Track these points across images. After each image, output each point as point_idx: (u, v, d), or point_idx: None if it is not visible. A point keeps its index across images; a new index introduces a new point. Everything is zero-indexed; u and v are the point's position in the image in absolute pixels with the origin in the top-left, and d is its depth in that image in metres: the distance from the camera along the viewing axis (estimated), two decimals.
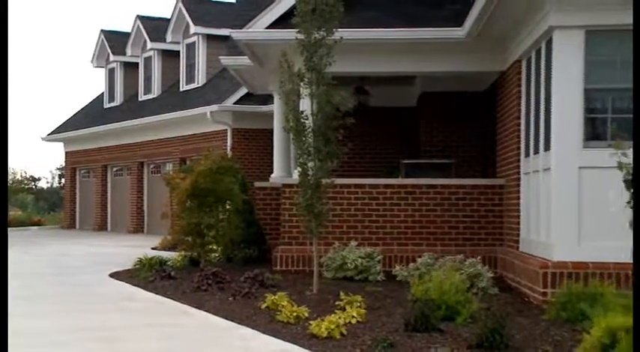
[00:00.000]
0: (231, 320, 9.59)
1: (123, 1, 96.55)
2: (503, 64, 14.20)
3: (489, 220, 14.49)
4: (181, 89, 31.23)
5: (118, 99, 36.04)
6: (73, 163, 38.27)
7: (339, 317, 8.83)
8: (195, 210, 15.49)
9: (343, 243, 14.11)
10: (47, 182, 55.74)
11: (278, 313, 9.51)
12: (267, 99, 23.67)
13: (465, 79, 16.47)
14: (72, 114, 39.53)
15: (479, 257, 12.88)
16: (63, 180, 44.75)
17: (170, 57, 32.58)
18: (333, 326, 8.38)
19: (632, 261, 6.17)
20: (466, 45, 14.17)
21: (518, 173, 13.14)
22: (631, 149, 6.25)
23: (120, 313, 10.55)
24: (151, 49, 33.14)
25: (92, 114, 37.24)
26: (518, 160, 13.13)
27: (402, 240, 14.52)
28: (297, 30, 11.64)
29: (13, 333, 7.22)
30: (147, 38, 33.02)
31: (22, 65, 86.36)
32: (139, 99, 34.02)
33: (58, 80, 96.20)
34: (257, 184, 17.90)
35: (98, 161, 35.81)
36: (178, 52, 31.55)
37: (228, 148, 26.13)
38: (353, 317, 9.14)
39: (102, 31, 36.63)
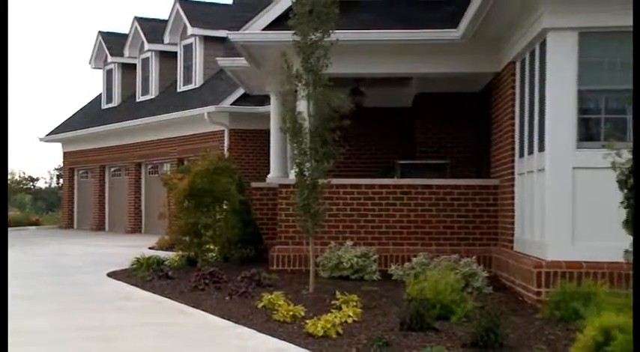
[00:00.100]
0: (228, 320, 9.63)
1: (121, 3, 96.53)
2: (497, 65, 14.26)
3: (484, 220, 14.55)
4: (179, 90, 31.28)
5: (116, 100, 36.09)
6: (71, 163, 38.31)
7: (335, 317, 8.88)
8: (193, 210, 15.54)
9: (339, 243, 14.18)
10: (45, 182, 55.80)
11: (275, 312, 9.56)
12: (264, 100, 23.71)
13: (460, 80, 16.52)
14: (70, 115, 39.56)
15: (474, 256, 12.96)
16: (61, 181, 44.78)
17: (167, 58, 32.63)
18: (329, 326, 8.43)
19: (624, 261, 6.24)
20: (461, 46, 14.23)
21: (513, 173, 13.21)
22: (624, 150, 6.30)
23: (117, 312, 10.59)
24: (148, 51, 33.19)
25: (90, 114, 37.28)
26: (513, 161, 13.20)
27: (398, 239, 14.59)
28: (293, 32, 11.71)
29: (12, 332, 7.25)
30: (144, 39, 33.06)
31: (20, 66, 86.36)
32: (137, 100, 34.07)
33: (56, 81, 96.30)
34: (254, 184, 17.90)
35: (96, 161, 35.86)
36: (176, 53, 31.61)
37: (225, 149, 26.17)
38: (349, 316, 9.19)
39: (100, 32, 36.67)
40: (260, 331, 8.83)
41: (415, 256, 13.42)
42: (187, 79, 30.97)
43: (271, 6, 14.87)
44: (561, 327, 8.80)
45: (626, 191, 6.20)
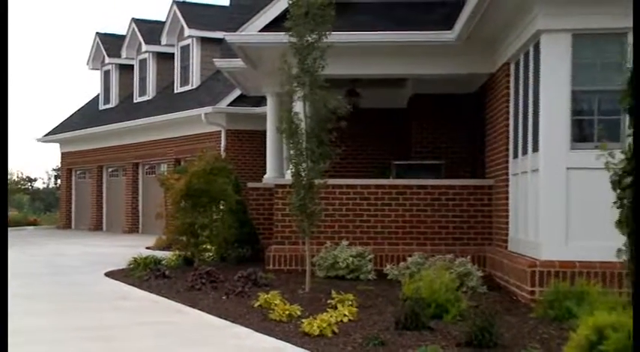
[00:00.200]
0: (225, 319, 9.67)
1: (118, 5, 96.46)
2: (492, 66, 14.34)
3: (478, 220, 14.63)
4: (176, 91, 31.32)
5: (114, 101, 36.11)
6: (69, 164, 38.33)
7: (331, 316, 8.93)
8: (190, 210, 15.60)
9: (335, 243, 14.25)
10: (43, 182, 55.71)
11: (271, 311, 9.60)
12: (260, 101, 23.76)
13: (455, 81, 16.56)
14: (68, 116, 39.54)
15: (468, 256, 13.04)
16: (59, 181, 44.74)
17: (165, 59, 32.67)
18: (325, 325, 8.47)
19: (617, 260, 6.30)
20: (456, 48, 14.30)
21: (507, 174, 13.28)
22: (617, 150, 6.35)
23: (115, 312, 10.62)
24: (145, 52, 33.23)
25: (88, 115, 37.29)
26: (507, 161, 13.27)
27: (393, 239, 14.66)
28: (290, 33, 11.77)
29: (11, 332, 7.24)
30: (142, 41, 33.12)
31: (18, 67, 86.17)
32: (134, 100, 34.11)
33: (54, 82, 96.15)
34: (250, 185, 17.96)
35: (94, 162, 35.88)
36: (173, 54, 31.65)
37: (222, 149, 26.22)
38: (345, 315, 9.24)
39: (97, 33, 36.67)
40: (256, 330, 8.86)
41: (410, 256, 13.49)
42: (184, 80, 31.01)
43: (268, 8, 14.91)
44: (555, 326, 8.85)
45: (619, 191, 6.22)
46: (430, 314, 9.05)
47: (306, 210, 11.81)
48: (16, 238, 27.62)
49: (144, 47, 33.09)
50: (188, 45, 30.59)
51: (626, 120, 7.28)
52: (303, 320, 8.77)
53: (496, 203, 14.21)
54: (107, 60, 35.97)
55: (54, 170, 51.78)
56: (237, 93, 25.54)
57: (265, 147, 18.39)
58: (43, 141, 39.53)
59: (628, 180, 6.13)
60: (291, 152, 11.85)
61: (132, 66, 34.62)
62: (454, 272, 11.37)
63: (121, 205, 33.86)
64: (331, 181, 13.56)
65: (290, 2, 11.86)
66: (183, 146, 29.06)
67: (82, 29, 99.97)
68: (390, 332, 8.54)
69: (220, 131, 27.08)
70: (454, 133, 17.80)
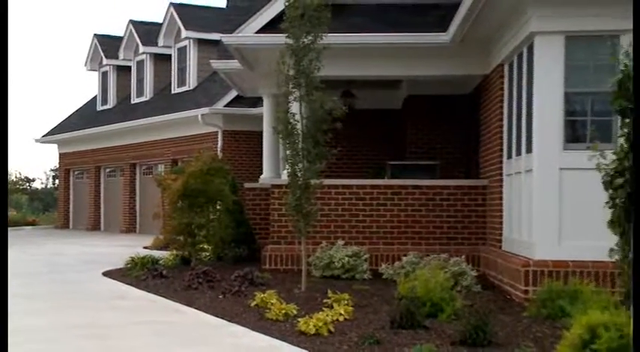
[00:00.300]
0: (222, 318, 9.72)
1: (116, 6, 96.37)
2: (486, 67, 14.40)
3: (473, 220, 14.70)
4: (173, 92, 31.39)
5: (111, 102, 36.16)
6: (67, 164, 38.38)
7: (327, 315, 8.99)
8: (187, 210, 15.66)
9: (331, 242, 14.31)
10: (42, 183, 55.64)
11: (267, 311, 9.65)
12: (257, 102, 23.80)
13: (450, 82, 16.60)
14: (66, 117, 39.59)
15: (463, 256, 13.11)
16: (57, 181, 44.75)
17: (162, 61, 32.74)
18: (320, 324, 8.53)
19: (610, 260, 6.37)
20: (450, 49, 14.36)
21: (501, 174, 13.33)
22: (609, 151, 6.42)
23: (112, 311, 10.66)
24: (143, 53, 33.29)
25: (86, 116, 37.33)
26: (501, 162, 13.33)
27: (388, 239, 14.72)
28: (286, 35, 11.85)
29: (11, 331, 7.22)
30: (139, 42, 33.17)
31: (17, 68, 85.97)
32: (132, 101, 34.17)
33: (52, 83, 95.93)
34: (247, 185, 17.98)
35: (91, 162, 35.91)
36: (170, 55, 31.71)
37: (219, 150, 26.26)
38: (340, 314, 9.29)
39: (95, 35, 36.70)
40: (253, 329, 8.90)
41: (405, 255, 13.58)
42: (181, 81, 31.08)
43: (264, 9, 14.97)
44: (548, 325, 8.91)
45: (611, 191, 6.27)
46: (425, 313, 9.11)
47: (302, 210, 11.87)
48: (15, 238, 27.62)
49: (141, 48, 33.15)
50: (185, 46, 30.65)
51: (618, 121, 7.36)
52: (300, 319, 8.82)
53: (490, 203, 14.28)
54: (105, 61, 36.05)
55: (52, 170, 51.77)
56: (233, 94, 25.61)
57: (262, 148, 18.46)
58: (42, 142, 39.58)
59: (619, 180, 6.18)
60: (288, 152, 11.92)
61: (129, 67, 34.68)
62: (449, 272, 11.44)
63: (119, 205, 33.90)
64: (327, 181, 13.59)
65: (286, 4, 11.93)
66: (181, 146, 29.12)
67: (80, 31, 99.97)
68: (385, 330, 8.59)
69: (217, 132, 27.14)
70: (449, 134, 17.84)
